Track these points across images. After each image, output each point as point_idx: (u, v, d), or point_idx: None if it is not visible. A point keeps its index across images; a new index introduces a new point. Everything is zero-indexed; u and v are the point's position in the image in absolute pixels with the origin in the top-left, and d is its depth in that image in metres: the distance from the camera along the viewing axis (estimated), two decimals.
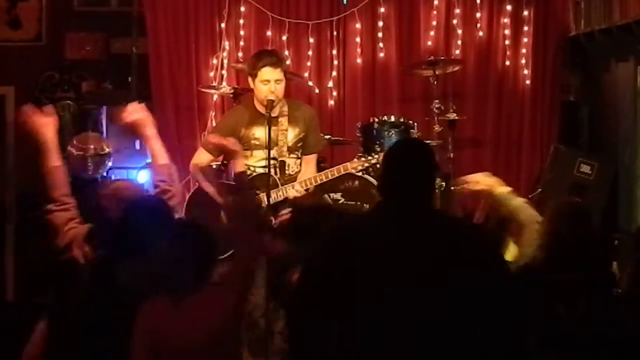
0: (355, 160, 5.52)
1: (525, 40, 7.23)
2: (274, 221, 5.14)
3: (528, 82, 7.23)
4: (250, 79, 5.47)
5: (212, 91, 6.85)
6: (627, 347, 3.47)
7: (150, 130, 4.38)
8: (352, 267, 2.92)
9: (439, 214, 3.17)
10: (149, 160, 6.98)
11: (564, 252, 3.60)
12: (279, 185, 5.33)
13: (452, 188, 5.95)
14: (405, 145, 3.49)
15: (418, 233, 2.96)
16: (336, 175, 5.40)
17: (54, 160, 4.22)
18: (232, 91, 6.49)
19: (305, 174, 5.46)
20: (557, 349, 3.44)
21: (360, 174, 5.66)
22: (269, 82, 5.33)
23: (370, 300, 2.89)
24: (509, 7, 7.21)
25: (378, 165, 5.48)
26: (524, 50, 7.24)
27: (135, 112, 4.39)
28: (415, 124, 6.37)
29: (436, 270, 2.90)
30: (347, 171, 5.45)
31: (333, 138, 6.66)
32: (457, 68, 6.88)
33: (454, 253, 2.93)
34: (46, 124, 4.28)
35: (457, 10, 7.20)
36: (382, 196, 3.12)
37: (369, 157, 5.49)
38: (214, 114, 7.08)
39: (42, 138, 4.26)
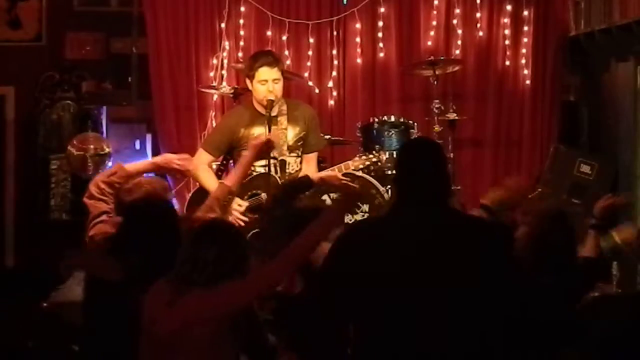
0: (357, 158, 5.52)
1: (525, 40, 7.24)
2: None
3: (528, 82, 7.23)
4: (248, 80, 5.47)
5: (212, 91, 6.85)
6: (611, 346, 3.47)
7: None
8: (366, 269, 2.91)
9: (455, 213, 3.15)
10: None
11: (550, 254, 3.60)
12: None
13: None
14: (417, 145, 3.46)
15: (434, 234, 2.94)
16: (341, 172, 5.40)
17: (138, 166, 4.54)
18: (232, 91, 6.49)
19: (306, 172, 5.46)
20: (545, 349, 3.45)
21: (359, 173, 5.66)
22: (266, 82, 5.33)
23: (386, 301, 2.88)
24: (509, 7, 7.22)
25: (379, 164, 5.48)
26: (524, 50, 7.24)
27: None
28: (415, 124, 6.37)
29: (451, 270, 2.89)
30: (348, 170, 5.45)
31: (333, 138, 6.66)
32: (457, 68, 6.88)
33: (469, 253, 2.92)
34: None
35: (457, 10, 7.20)
36: (397, 197, 3.10)
37: (370, 156, 5.49)
38: (214, 114, 7.08)
39: (158, 164, 4.70)
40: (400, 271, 2.89)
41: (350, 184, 5.35)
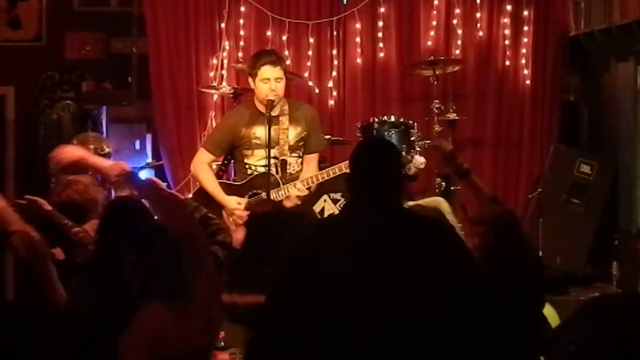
0: None
1: (525, 40, 7.24)
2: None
3: (528, 82, 7.23)
4: (250, 79, 5.47)
5: (212, 91, 6.85)
6: (612, 346, 3.49)
7: None
8: (320, 271, 2.89)
9: (408, 213, 3.15)
10: (148, 160, 7.02)
11: (501, 262, 3.60)
12: (281, 184, 5.33)
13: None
14: (370, 145, 3.45)
15: (386, 233, 2.93)
16: (337, 173, 5.40)
17: None
18: (232, 91, 6.49)
19: (307, 173, 5.47)
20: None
21: None
22: (269, 81, 5.33)
23: (340, 303, 2.86)
24: (509, 7, 7.22)
25: None
26: (524, 50, 7.24)
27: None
28: (415, 124, 6.36)
29: (406, 271, 2.87)
30: (342, 171, 5.45)
31: (333, 138, 6.66)
32: (457, 68, 6.88)
33: (423, 253, 2.91)
34: None
35: (457, 10, 7.20)
36: (350, 197, 3.10)
37: None
38: (214, 114, 7.09)
39: None
40: (355, 273, 2.87)
41: None
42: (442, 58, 6.76)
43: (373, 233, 2.93)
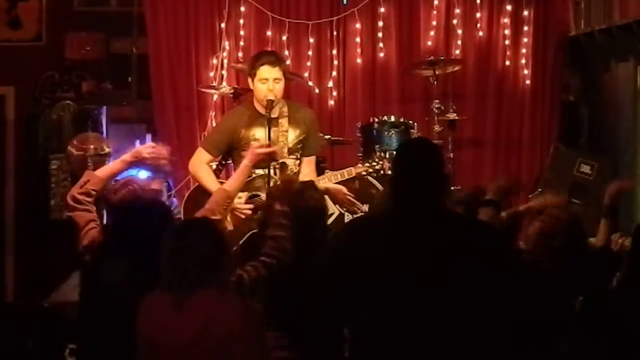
0: (360, 165, 5.53)
1: (525, 40, 7.24)
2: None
3: (528, 82, 7.23)
4: (249, 79, 5.47)
5: (212, 91, 6.86)
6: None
7: None
8: (364, 270, 2.91)
9: (451, 214, 3.15)
10: None
11: (554, 255, 3.62)
12: None
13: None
14: (415, 145, 3.47)
15: (431, 234, 2.95)
16: (344, 178, 5.43)
17: (109, 169, 4.48)
18: (232, 91, 6.49)
19: (305, 175, 5.46)
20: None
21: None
22: (267, 81, 5.32)
23: (383, 301, 2.89)
24: (509, 7, 7.22)
25: (382, 172, 5.48)
26: (524, 50, 7.24)
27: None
28: (415, 124, 6.37)
29: (450, 270, 2.89)
30: (351, 175, 5.46)
31: (333, 138, 6.66)
32: (457, 68, 6.89)
33: (468, 253, 2.93)
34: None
35: (457, 10, 7.20)
36: (394, 198, 3.10)
37: (373, 163, 5.50)
38: (214, 114, 7.09)
39: (128, 161, 4.44)
40: (396, 272, 2.89)
41: (353, 200, 5.39)
42: (442, 58, 6.77)
43: (418, 235, 2.94)
